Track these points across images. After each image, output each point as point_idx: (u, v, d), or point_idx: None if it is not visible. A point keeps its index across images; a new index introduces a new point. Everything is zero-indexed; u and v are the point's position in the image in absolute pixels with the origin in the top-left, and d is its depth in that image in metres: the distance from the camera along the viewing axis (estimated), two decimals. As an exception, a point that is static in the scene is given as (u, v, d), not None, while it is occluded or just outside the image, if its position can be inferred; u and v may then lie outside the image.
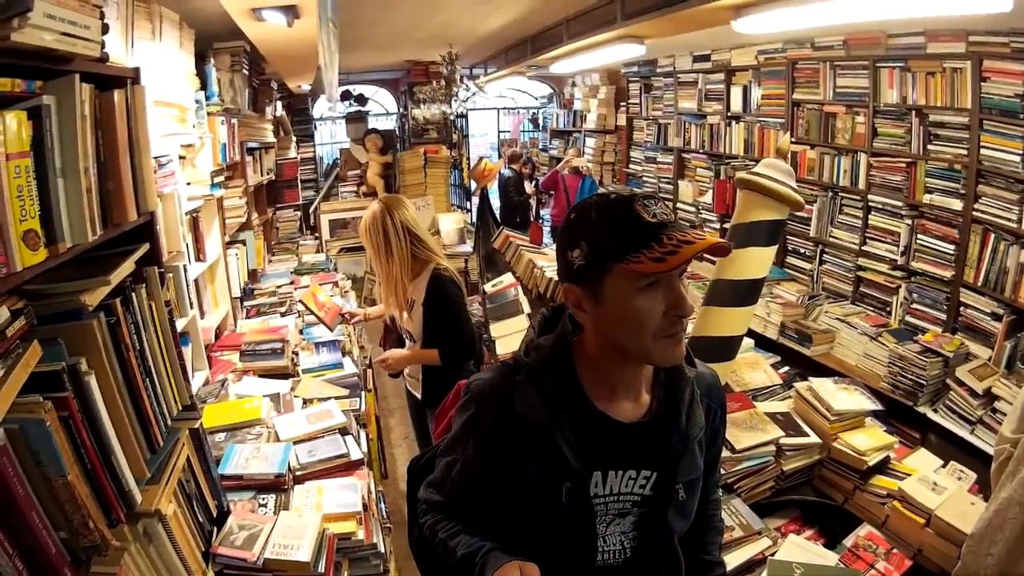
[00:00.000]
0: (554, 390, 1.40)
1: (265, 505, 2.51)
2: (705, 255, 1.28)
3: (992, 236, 4.23)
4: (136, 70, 1.82)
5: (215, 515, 2.25)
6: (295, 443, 2.88)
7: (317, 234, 8.14)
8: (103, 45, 1.58)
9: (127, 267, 1.73)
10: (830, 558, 2.50)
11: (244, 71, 4.69)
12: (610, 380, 1.42)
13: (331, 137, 11.13)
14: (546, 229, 10.23)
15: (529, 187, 9.92)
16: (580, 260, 1.31)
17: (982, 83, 4.21)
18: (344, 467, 2.81)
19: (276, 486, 2.61)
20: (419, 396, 3.69)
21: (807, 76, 5.72)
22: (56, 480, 1.33)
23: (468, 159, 10.35)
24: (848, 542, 2.61)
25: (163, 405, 1.87)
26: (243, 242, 5.02)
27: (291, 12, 3.09)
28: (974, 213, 4.34)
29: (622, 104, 9.54)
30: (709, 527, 1.69)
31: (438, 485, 1.62)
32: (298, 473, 2.72)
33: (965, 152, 4.37)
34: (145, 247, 1.89)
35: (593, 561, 1.45)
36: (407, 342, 3.63)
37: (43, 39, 1.31)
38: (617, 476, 1.43)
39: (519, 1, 5.25)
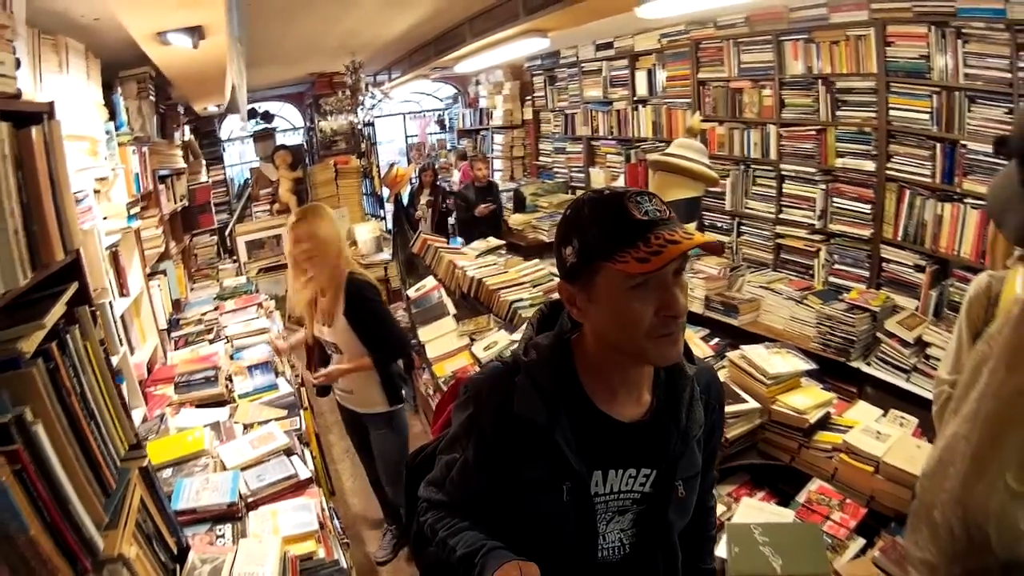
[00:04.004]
0: (554, 390, 1.39)
1: (223, 536, 2.47)
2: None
3: (908, 192, 4.41)
4: (51, 104, 1.76)
5: (175, 553, 2.20)
6: (242, 470, 2.85)
7: (235, 257, 7.98)
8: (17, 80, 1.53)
9: (59, 309, 1.68)
10: (786, 515, 2.58)
11: (151, 97, 4.58)
12: (610, 379, 1.41)
13: (240, 158, 10.94)
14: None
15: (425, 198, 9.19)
16: (572, 258, 1.31)
17: (886, 47, 4.38)
18: (294, 488, 2.80)
19: (230, 515, 2.57)
20: (358, 410, 3.70)
21: (711, 55, 5.86)
22: (19, 538, 1.29)
23: (378, 167, 10.26)
24: (801, 498, 2.69)
25: (110, 446, 1.81)
26: (164, 272, 4.90)
27: (196, 33, 3.02)
28: (887, 172, 4.52)
29: (527, 98, 9.62)
30: (705, 536, 1.72)
31: (438, 483, 1.61)
32: (250, 499, 2.69)
33: (874, 115, 4.55)
34: (74, 286, 1.83)
35: (594, 558, 1.45)
36: (333, 356, 3.62)
37: None
38: (617, 475, 1.43)
39: (421, 4, 5.22)
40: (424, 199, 8.99)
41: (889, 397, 4.04)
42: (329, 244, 3.37)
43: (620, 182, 7.44)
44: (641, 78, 6.97)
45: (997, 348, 1.59)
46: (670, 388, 1.46)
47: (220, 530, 2.50)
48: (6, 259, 1.39)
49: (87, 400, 1.71)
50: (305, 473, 2.86)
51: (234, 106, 3.70)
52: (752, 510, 2.58)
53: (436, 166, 10.29)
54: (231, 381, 3.86)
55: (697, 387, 1.48)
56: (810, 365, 3.21)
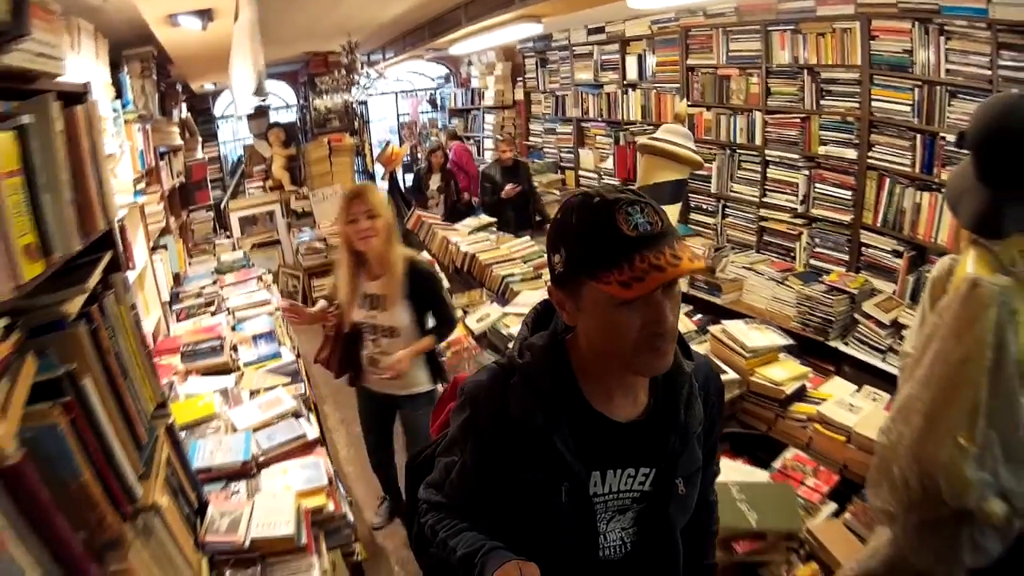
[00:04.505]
0: (549, 392, 1.38)
1: (237, 492, 2.63)
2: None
3: (888, 180, 4.56)
4: (87, 85, 1.89)
5: (196, 507, 2.35)
6: (253, 431, 3.00)
7: (229, 233, 8.08)
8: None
9: (97, 275, 1.81)
10: (761, 475, 2.76)
11: (153, 76, 4.67)
12: (606, 380, 1.39)
13: (233, 135, 10.98)
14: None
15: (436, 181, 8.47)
16: (560, 267, 1.29)
17: (871, 41, 4.51)
18: (303, 447, 2.95)
19: (243, 473, 2.74)
20: (397, 393, 3.49)
21: (700, 42, 5.98)
22: (72, 483, 1.40)
23: (370, 145, 10.32)
24: (777, 464, 2.88)
25: (142, 404, 1.95)
26: (165, 247, 5.02)
27: (206, 16, 3.14)
28: (869, 160, 4.67)
29: (519, 79, 9.68)
30: (706, 532, 1.70)
31: (438, 485, 1.61)
32: (261, 459, 2.83)
33: (857, 105, 4.69)
34: (109, 254, 1.97)
35: (595, 557, 1.44)
36: (379, 340, 3.37)
37: (26, 61, 1.38)
38: (616, 475, 1.41)
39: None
40: (434, 184, 8.29)
41: (865, 376, 4.16)
42: (388, 223, 3.22)
43: (609, 163, 7.59)
44: (631, 63, 7.08)
45: (946, 319, 1.79)
46: (668, 386, 1.43)
47: (235, 487, 2.66)
48: (61, 227, 1.51)
49: (122, 359, 1.84)
50: (313, 434, 3.02)
51: (260, 88, 3.78)
52: (730, 470, 2.74)
53: (430, 145, 9.82)
54: (235, 351, 4.00)
55: (696, 383, 1.46)
56: (787, 340, 3.38)
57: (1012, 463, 1.71)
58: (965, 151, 1.96)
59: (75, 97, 1.77)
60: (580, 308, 1.29)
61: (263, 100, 8.86)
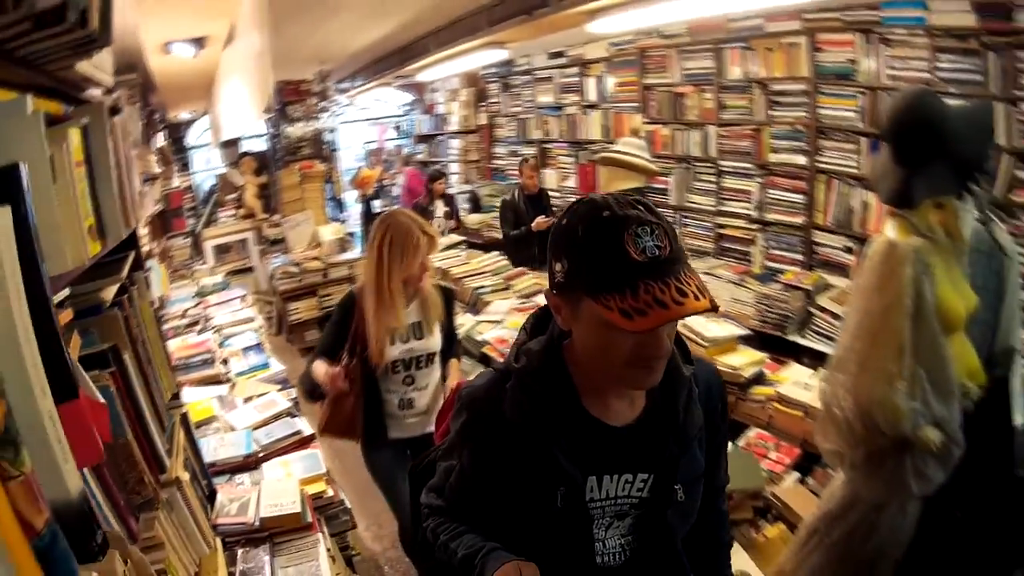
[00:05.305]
0: (545, 396, 1.38)
1: (242, 483, 2.83)
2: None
3: (836, 183, 4.84)
4: (117, 99, 2.10)
5: (207, 494, 2.54)
6: (252, 430, 3.20)
7: (203, 260, 8.20)
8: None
9: (127, 268, 2.02)
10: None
11: (138, 104, 4.83)
12: (602, 386, 1.39)
13: (206, 164, 11.08)
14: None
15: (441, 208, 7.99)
16: (560, 276, 1.27)
17: (817, 53, 4.82)
18: (300, 443, 3.16)
19: (246, 466, 2.94)
20: (425, 431, 3.03)
21: (657, 62, 6.26)
22: (117, 441, 1.56)
23: (339, 172, 10.52)
24: (740, 443, 3.13)
25: (161, 391, 2.12)
26: (150, 269, 5.16)
27: (199, 43, 3.32)
28: (818, 165, 4.96)
29: (482, 104, 9.91)
30: (719, 542, 1.65)
31: (438, 489, 1.62)
32: (261, 454, 3.03)
33: (805, 114, 4.98)
34: (132, 254, 2.17)
35: (592, 563, 1.43)
36: (416, 372, 3.02)
37: (91, 69, 1.59)
38: (613, 480, 1.40)
39: (393, 17, 5.49)
40: (440, 211, 7.91)
41: (823, 364, 4.42)
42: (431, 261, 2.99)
43: (571, 182, 7.88)
44: (591, 84, 7.36)
45: (869, 279, 2.14)
46: (666, 391, 1.40)
47: (239, 479, 2.87)
48: (113, 217, 1.72)
49: (147, 348, 2.02)
50: (308, 430, 3.22)
51: (270, 107, 3.91)
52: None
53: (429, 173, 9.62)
54: (226, 364, 4.18)
55: (696, 388, 1.43)
56: (744, 330, 3.64)
57: (941, 395, 2.00)
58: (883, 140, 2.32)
59: (112, 110, 1.97)
60: (576, 317, 1.28)
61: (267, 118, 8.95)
